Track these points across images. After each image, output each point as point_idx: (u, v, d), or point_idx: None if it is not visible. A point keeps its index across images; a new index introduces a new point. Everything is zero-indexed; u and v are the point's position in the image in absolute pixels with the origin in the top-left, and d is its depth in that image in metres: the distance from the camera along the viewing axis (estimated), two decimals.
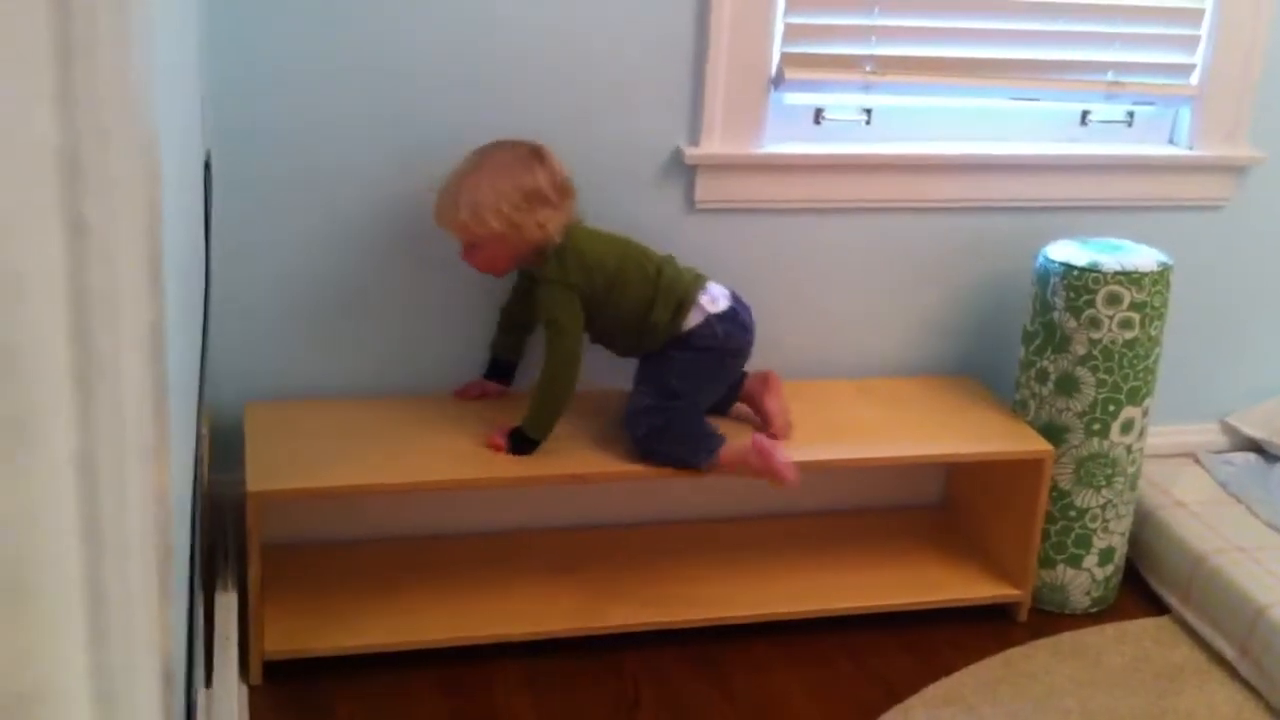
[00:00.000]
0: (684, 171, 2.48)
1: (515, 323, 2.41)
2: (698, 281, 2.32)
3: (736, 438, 2.31)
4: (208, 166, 1.98)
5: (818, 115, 2.55)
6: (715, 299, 2.31)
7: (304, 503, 2.39)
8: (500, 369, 2.44)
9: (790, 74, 2.46)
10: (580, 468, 2.26)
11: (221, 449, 2.29)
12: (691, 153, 2.45)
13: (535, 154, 2.20)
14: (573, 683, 2.26)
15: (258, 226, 2.32)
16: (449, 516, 2.55)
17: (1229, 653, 2.43)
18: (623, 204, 2.46)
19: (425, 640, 2.26)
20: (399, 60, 2.29)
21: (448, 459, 2.24)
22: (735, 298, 2.35)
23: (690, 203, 2.50)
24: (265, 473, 2.13)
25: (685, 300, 2.28)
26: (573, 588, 2.42)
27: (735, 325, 2.32)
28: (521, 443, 2.24)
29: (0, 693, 0.59)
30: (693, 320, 2.28)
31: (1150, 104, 2.73)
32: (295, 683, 2.18)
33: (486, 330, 2.47)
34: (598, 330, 2.30)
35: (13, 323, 0.53)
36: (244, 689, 2.12)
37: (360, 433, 2.30)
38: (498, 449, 2.25)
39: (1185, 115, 2.73)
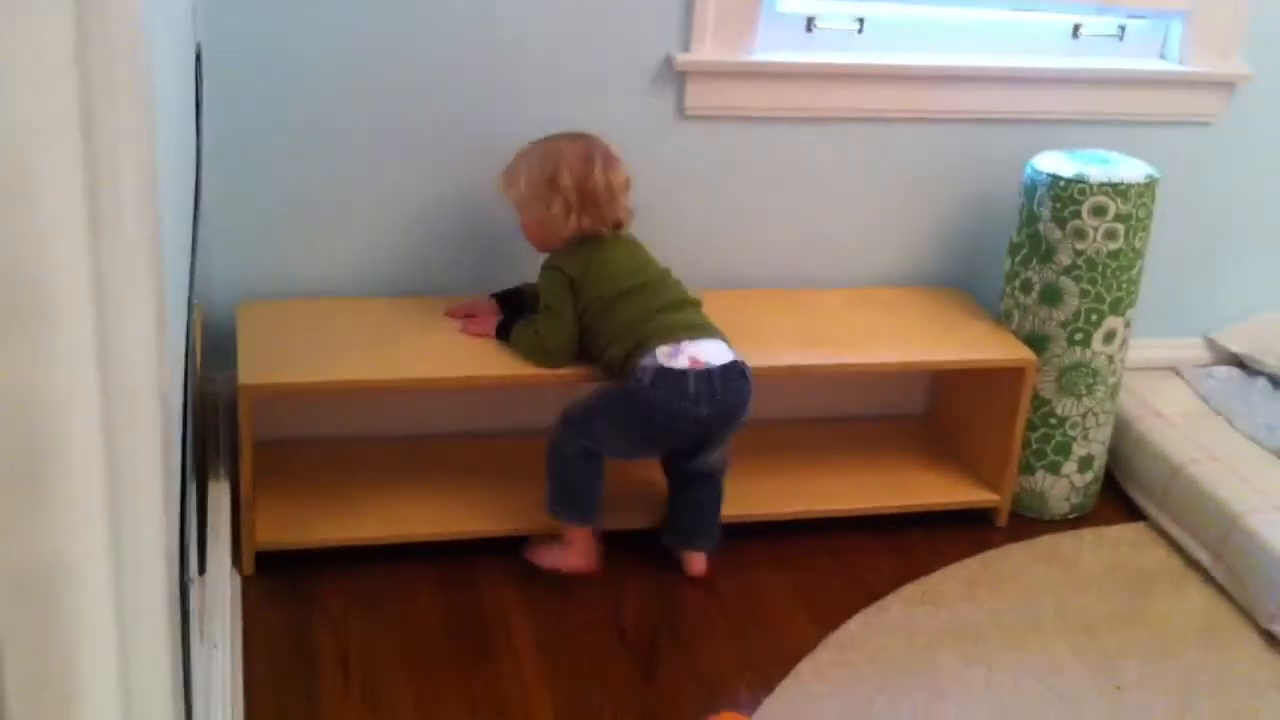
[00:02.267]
0: (674, 78, 2.48)
1: None
2: (673, 334, 2.20)
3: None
4: (199, 60, 1.99)
5: (810, 24, 2.56)
6: (675, 354, 2.18)
7: (296, 400, 2.43)
8: (515, 298, 2.42)
9: None
10: (575, 368, 2.29)
11: (214, 347, 2.31)
12: (683, 59, 2.46)
13: (585, 156, 2.25)
14: (560, 580, 2.30)
15: (251, 124, 2.33)
16: (440, 416, 2.59)
17: (1203, 558, 2.49)
18: (613, 110, 2.47)
19: (415, 534, 2.31)
20: None
21: (439, 358, 2.27)
22: (721, 370, 2.19)
23: (680, 110, 2.50)
24: (257, 367, 2.17)
25: (643, 343, 2.19)
26: None
27: (673, 389, 2.16)
28: (503, 334, 2.32)
29: (25, 563, 0.64)
30: (640, 362, 2.19)
31: (1142, 18, 2.73)
32: (287, 574, 2.23)
33: (482, 232, 2.50)
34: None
35: (27, 222, 0.61)
36: (236, 578, 2.17)
37: (353, 331, 2.33)
38: (476, 334, 2.34)
39: (1177, 29, 2.74)
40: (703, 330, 2.25)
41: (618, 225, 2.30)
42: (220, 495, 2.22)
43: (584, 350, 2.29)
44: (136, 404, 0.77)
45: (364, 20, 2.32)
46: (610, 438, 2.23)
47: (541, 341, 2.27)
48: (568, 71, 2.43)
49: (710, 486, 2.34)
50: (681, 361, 2.18)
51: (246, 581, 2.20)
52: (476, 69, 2.39)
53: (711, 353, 2.21)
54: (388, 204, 2.46)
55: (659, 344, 2.19)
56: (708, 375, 2.18)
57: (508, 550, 2.34)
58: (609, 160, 2.28)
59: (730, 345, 2.25)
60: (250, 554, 2.21)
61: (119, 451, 0.72)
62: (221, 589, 2.04)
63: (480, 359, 2.28)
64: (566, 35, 2.41)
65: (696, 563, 2.35)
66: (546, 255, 2.32)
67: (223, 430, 2.34)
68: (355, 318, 2.38)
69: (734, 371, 2.21)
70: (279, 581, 2.22)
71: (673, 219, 2.57)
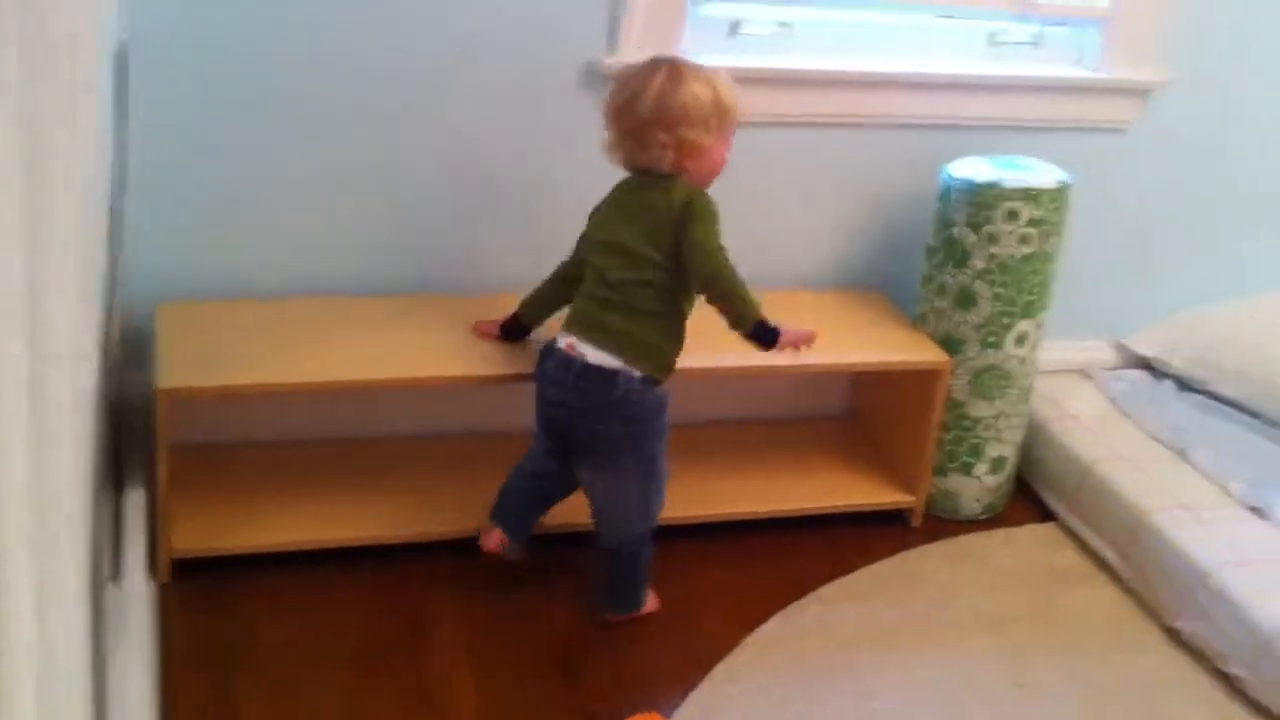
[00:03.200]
0: (600, 81, 2.49)
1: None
2: (570, 325, 2.17)
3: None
4: (125, 59, 1.96)
5: (734, 28, 2.58)
6: (564, 338, 2.17)
7: (220, 403, 2.41)
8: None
9: None
10: (489, 369, 2.30)
11: (136, 350, 2.30)
12: (610, 62, 2.47)
13: (628, 81, 2.15)
14: (494, 581, 2.32)
15: (175, 123, 2.30)
16: (366, 419, 2.58)
17: (1111, 557, 2.56)
18: (539, 113, 2.48)
19: (341, 539, 2.31)
20: None
21: (363, 359, 2.27)
22: (585, 365, 2.12)
23: None
24: (175, 371, 2.15)
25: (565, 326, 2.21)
26: (490, 491, 2.47)
27: (543, 365, 2.18)
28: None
29: None
30: None
31: (1061, 25, 2.79)
32: (206, 581, 2.22)
33: (409, 232, 2.50)
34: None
35: None
36: (152, 586, 2.16)
37: (274, 333, 2.31)
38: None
39: (1094, 37, 2.79)
40: (599, 338, 2.13)
41: (630, 165, 2.19)
42: (136, 501, 2.20)
43: None
44: (61, 407, 0.79)
45: (293, 20, 2.29)
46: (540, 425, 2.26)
47: None
48: (496, 74, 2.43)
49: (606, 546, 2.27)
50: (561, 343, 2.16)
51: (164, 589, 2.18)
52: (405, 71, 2.38)
53: (590, 349, 2.13)
54: (313, 205, 2.44)
55: (564, 326, 2.19)
56: (568, 363, 2.14)
57: (436, 552, 2.34)
58: (636, 90, 2.11)
59: (622, 357, 2.12)
60: (166, 560, 2.19)
61: (44, 456, 0.74)
62: (136, 596, 2.02)
63: (404, 360, 2.28)
64: (495, 38, 2.41)
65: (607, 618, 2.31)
66: None
67: (141, 435, 2.32)
68: (278, 319, 2.36)
69: (597, 372, 2.12)
70: (198, 589, 2.21)
71: None
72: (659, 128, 2.10)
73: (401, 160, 2.45)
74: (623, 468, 2.19)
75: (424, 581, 2.31)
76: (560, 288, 2.32)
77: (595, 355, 2.12)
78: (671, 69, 2.12)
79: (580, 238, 2.29)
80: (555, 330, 2.25)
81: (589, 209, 2.50)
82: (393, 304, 2.47)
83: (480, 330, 2.40)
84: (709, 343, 2.47)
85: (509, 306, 2.41)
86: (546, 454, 2.26)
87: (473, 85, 2.43)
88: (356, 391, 2.37)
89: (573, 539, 2.40)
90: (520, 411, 2.64)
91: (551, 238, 2.54)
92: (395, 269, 2.52)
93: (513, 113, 2.47)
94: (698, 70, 2.13)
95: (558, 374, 2.15)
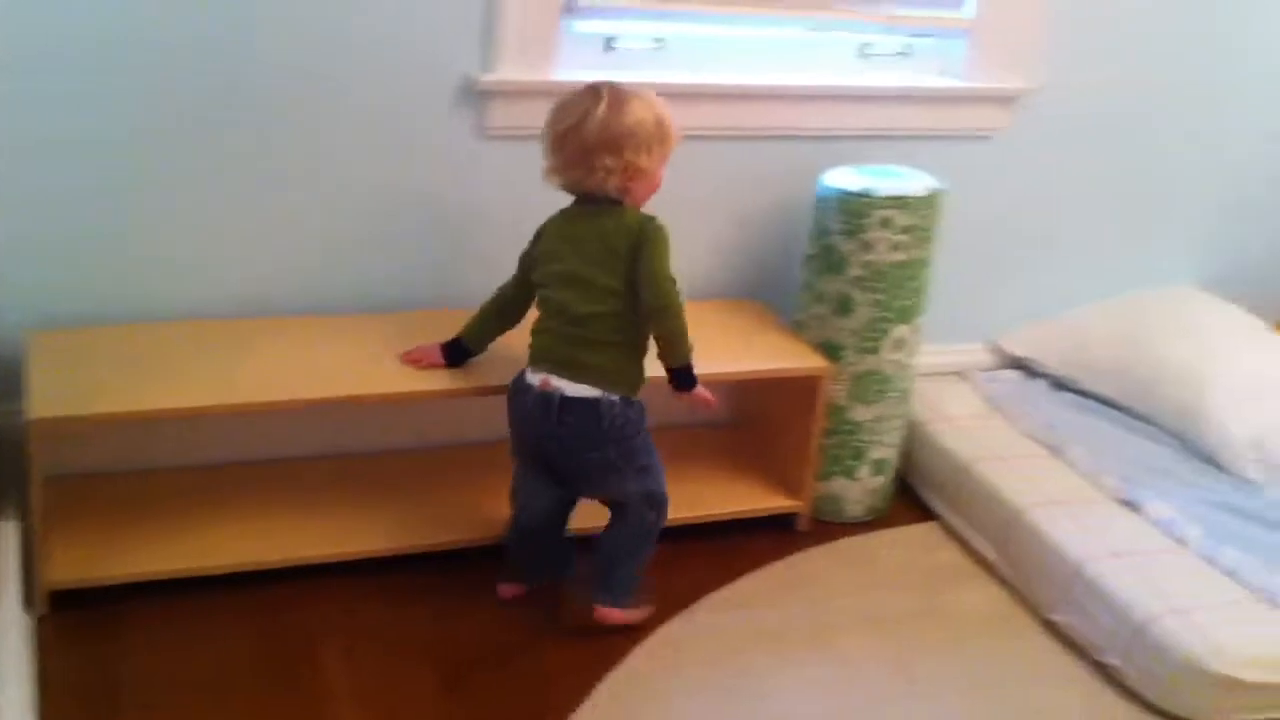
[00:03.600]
0: (476, 98, 2.50)
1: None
2: (539, 361, 2.20)
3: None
4: None
5: (608, 44, 2.61)
6: (534, 373, 2.19)
7: (94, 432, 2.37)
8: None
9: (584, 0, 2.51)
10: (368, 389, 2.29)
11: (7, 380, 2.25)
12: (485, 79, 2.48)
13: (578, 98, 2.17)
14: (380, 602, 2.31)
15: (44, 148, 2.26)
16: (241, 443, 2.55)
17: (990, 553, 2.63)
18: (414, 130, 2.48)
19: (222, 565, 2.27)
20: None
21: (238, 382, 2.24)
22: (565, 400, 2.15)
23: (482, 130, 2.52)
24: (47, 400, 2.10)
25: (530, 354, 2.23)
26: (371, 509, 2.46)
27: (520, 401, 2.21)
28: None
29: None
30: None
31: (928, 36, 2.86)
32: (86, 613, 2.17)
33: (284, 253, 2.48)
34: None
35: None
36: (28, 619, 2.11)
37: (148, 359, 2.28)
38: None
39: (960, 47, 2.87)
40: (573, 373, 2.16)
41: (574, 190, 2.19)
42: (8, 532, 2.15)
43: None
44: None
45: (163, 40, 2.26)
46: (514, 454, 2.29)
47: None
48: (368, 92, 2.43)
49: (611, 532, 2.32)
50: (534, 380, 2.19)
51: (42, 622, 2.14)
52: (280, 91, 2.37)
53: (567, 383, 2.16)
54: (187, 229, 2.41)
55: (531, 361, 2.21)
56: (547, 399, 2.17)
57: (320, 575, 2.32)
58: (580, 116, 2.12)
59: (599, 387, 2.16)
60: (43, 592, 2.15)
61: None
62: (11, 628, 1.97)
63: (281, 382, 2.26)
64: (367, 57, 2.40)
65: (597, 611, 2.30)
66: None
67: (16, 466, 2.27)
68: (152, 344, 2.33)
69: (578, 404, 2.16)
70: (77, 621, 2.16)
71: (476, 238, 2.59)
72: (605, 152, 2.13)
73: (278, 181, 2.44)
74: (622, 484, 2.26)
75: (308, 605, 2.29)
76: (507, 312, 2.35)
77: (573, 388, 2.16)
78: (612, 93, 2.15)
79: (523, 256, 2.30)
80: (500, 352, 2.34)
81: (474, 223, 2.52)
82: (270, 325, 2.45)
83: (417, 360, 2.36)
84: None
85: (399, 326, 2.41)
86: (536, 488, 2.28)
87: (347, 103, 2.42)
88: (233, 415, 2.34)
89: (464, 554, 2.41)
90: (398, 431, 2.66)
91: (434, 255, 2.55)
92: (273, 291, 2.50)
93: (387, 130, 2.47)
94: (637, 93, 2.17)
95: (538, 410, 2.18)
